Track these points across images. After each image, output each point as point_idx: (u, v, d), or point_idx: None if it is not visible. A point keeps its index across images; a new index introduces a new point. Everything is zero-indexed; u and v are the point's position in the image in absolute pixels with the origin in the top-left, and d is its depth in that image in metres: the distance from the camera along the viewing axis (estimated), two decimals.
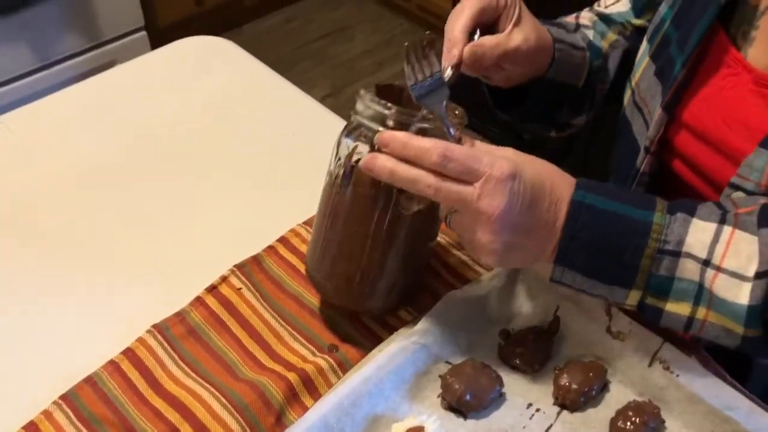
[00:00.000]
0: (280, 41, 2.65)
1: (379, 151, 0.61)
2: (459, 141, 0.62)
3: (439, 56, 0.66)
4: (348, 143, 0.65)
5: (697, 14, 0.73)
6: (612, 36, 0.86)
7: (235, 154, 0.92)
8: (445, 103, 0.63)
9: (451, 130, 0.62)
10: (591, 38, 0.84)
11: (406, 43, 0.64)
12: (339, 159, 0.66)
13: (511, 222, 0.59)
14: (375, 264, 0.67)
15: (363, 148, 0.64)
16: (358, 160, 0.64)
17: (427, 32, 0.67)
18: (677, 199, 0.64)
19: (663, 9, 0.79)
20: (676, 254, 0.60)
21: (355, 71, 2.54)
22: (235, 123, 0.97)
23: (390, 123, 0.63)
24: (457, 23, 0.69)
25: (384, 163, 0.60)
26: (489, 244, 0.60)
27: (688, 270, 0.60)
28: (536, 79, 0.78)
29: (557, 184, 0.61)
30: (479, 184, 0.58)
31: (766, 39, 0.69)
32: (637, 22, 0.86)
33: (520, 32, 0.72)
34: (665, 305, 0.62)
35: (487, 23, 0.72)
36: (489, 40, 0.70)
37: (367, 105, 0.64)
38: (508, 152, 0.62)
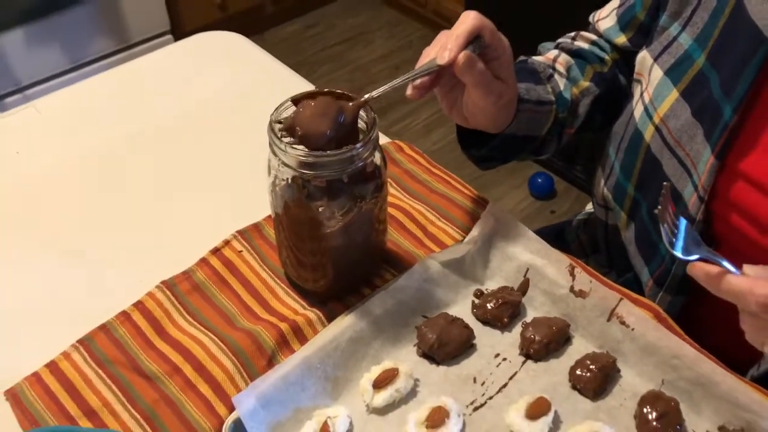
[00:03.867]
0: (300, 46, 2.74)
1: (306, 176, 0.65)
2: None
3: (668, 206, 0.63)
4: (274, 165, 0.69)
5: (740, 55, 0.69)
6: (584, 83, 0.85)
7: (246, 139, 0.99)
8: (703, 247, 0.61)
9: (735, 269, 0.59)
10: (561, 89, 0.84)
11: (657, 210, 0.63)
12: (271, 173, 0.70)
13: None
14: (321, 265, 0.74)
15: (285, 173, 0.68)
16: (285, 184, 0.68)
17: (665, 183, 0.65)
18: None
19: (685, 41, 0.75)
20: None
21: (372, 74, 2.62)
22: (250, 111, 1.04)
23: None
24: (460, 28, 0.68)
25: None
26: None
27: None
28: (494, 133, 0.79)
29: None
30: None
31: None
32: (620, 40, 0.86)
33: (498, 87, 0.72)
34: None
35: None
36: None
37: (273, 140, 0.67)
38: None
